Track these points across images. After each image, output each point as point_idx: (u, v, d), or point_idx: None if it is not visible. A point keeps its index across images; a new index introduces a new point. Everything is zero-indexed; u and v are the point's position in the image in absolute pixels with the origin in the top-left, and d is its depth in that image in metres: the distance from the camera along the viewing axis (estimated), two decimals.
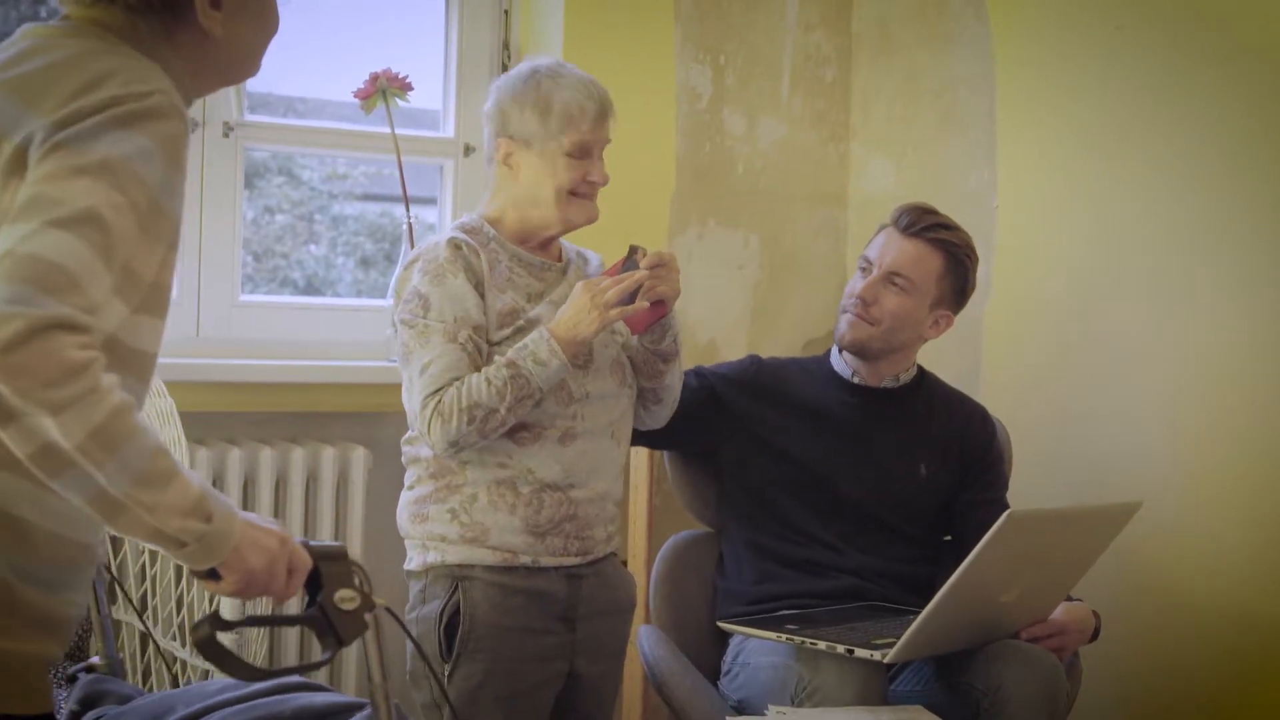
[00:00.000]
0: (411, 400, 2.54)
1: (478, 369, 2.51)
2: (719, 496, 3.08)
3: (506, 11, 3.63)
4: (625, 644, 2.78)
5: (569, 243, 2.80)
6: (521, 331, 2.56)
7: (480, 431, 2.48)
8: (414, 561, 2.61)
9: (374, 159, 3.63)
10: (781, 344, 3.81)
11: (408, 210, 3.38)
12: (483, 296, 2.56)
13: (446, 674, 2.55)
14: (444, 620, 2.55)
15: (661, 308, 2.59)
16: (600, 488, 2.64)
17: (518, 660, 2.56)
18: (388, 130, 3.34)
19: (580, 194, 2.63)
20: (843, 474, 2.93)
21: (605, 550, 2.69)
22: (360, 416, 3.42)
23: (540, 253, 2.68)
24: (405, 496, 2.65)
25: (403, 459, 2.68)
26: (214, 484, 3.12)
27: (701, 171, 3.74)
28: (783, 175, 3.85)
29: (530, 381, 2.48)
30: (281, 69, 3.53)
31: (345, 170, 6.00)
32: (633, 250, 2.59)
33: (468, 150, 3.62)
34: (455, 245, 2.58)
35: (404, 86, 3.35)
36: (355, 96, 3.35)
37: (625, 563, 3.40)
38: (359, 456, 3.33)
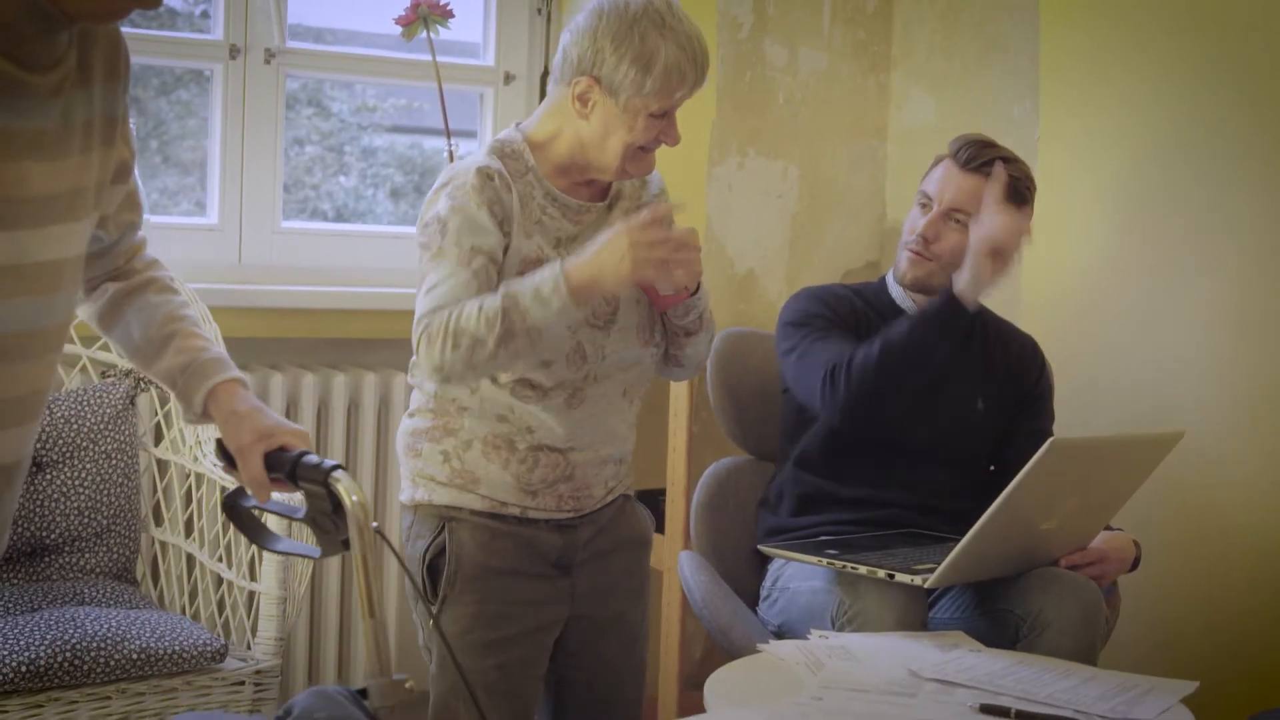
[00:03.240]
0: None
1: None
2: (776, 425, 3.08)
3: None
4: (645, 579, 2.64)
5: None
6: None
7: (467, 362, 2.26)
8: (405, 493, 2.49)
9: (412, 87, 3.62)
10: (819, 275, 3.80)
11: (449, 138, 3.37)
12: (508, 235, 2.36)
13: (431, 619, 2.43)
14: (427, 560, 2.42)
15: (684, 292, 2.42)
16: (605, 450, 2.48)
17: (507, 603, 2.42)
18: (425, 59, 3.33)
19: (647, 149, 2.41)
20: (904, 411, 2.90)
21: (604, 503, 2.53)
22: (402, 343, 3.40)
23: (581, 191, 2.45)
24: (404, 424, 2.50)
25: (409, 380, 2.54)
26: None
27: (742, 101, 3.73)
28: (823, 106, 3.84)
29: (525, 318, 2.24)
30: (314, 2, 3.53)
31: (375, 102, 5.99)
32: None
33: (508, 79, 3.62)
34: (486, 175, 2.35)
35: (445, 13, 3.33)
36: (396, 23, 3.33)
37: (665, 491, 3.42)
38: (400, 383, 3.35)
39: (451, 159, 3.35)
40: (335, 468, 1.70)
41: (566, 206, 2.42)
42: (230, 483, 1.94)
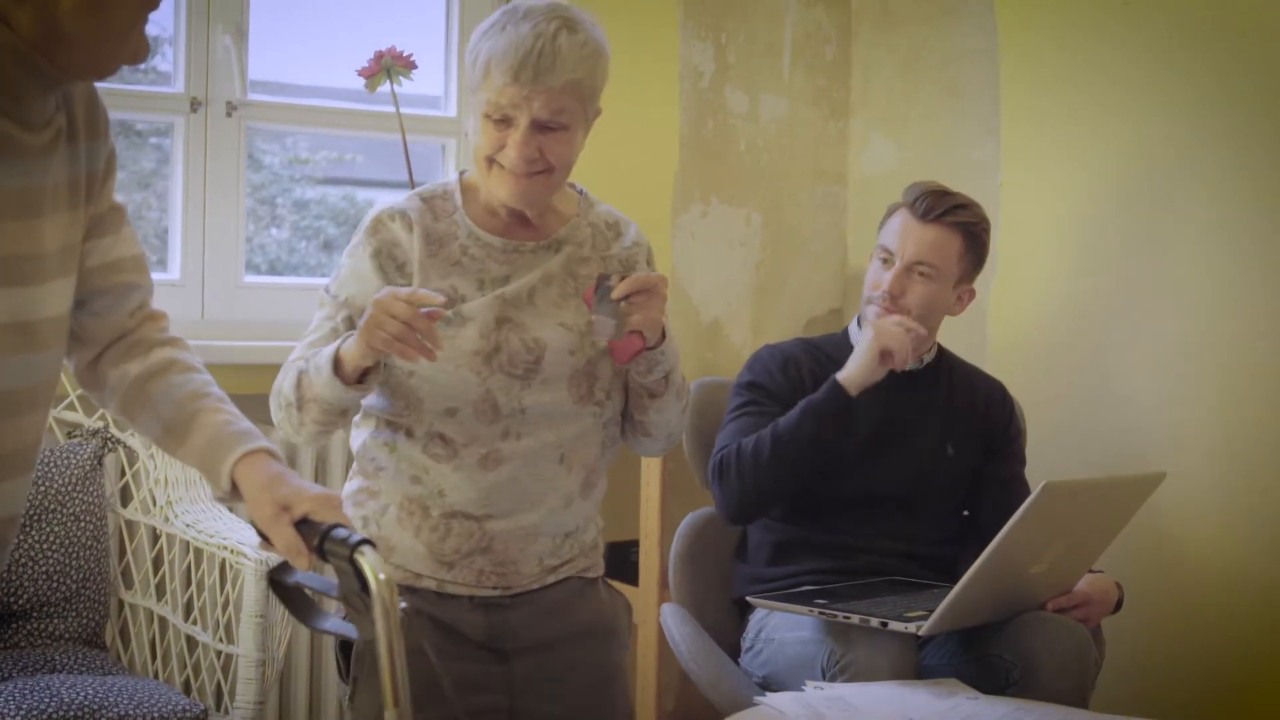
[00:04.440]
0: None
1: None
2: None
3: None
4: (615, 669, 2.39)
5: (609, 209, 2.42)
6: (447, 323, 2.19)
7: (292, 424, 2.18)
8: None
9: (372, 139, 3.59)
10: (784, 321, 3.80)
11: (414, 189, 3.33)
12: (407, 278, 2.22)
13: (348, 699, 2.15)
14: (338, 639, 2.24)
15: (637, 340, 2.18)
16: (529, 520, 2.25)
17: (424, 685, 2.07)
18: (388, 110, 3.30)
19: (504, 165, 2.20)
20: (877, 461, 2.90)
21: (541, 583, 2.30)
22: None
23: (516, 231, 2.29)
24: (345, 486, 2.36)
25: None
26: None
27: (704, 149, 3.73)
28: (784, 152, 3.85)
29: (311, 385, 2.14)
30: (275, 56, 3.49)
31: (307, 155, 5.97)
32: (602, 278, 2.19)
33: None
34: (384, 219, 2.25)
35: (408, 64, 3.30)
36: (359, 74, 3.30)
37: (638, 542, 3.39)
38: None
39: None
40: (361, 543, 1.58)
41: (490, 246, 2.27)
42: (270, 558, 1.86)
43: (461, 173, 2.37)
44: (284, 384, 2.20)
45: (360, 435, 2.31)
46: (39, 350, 1.65)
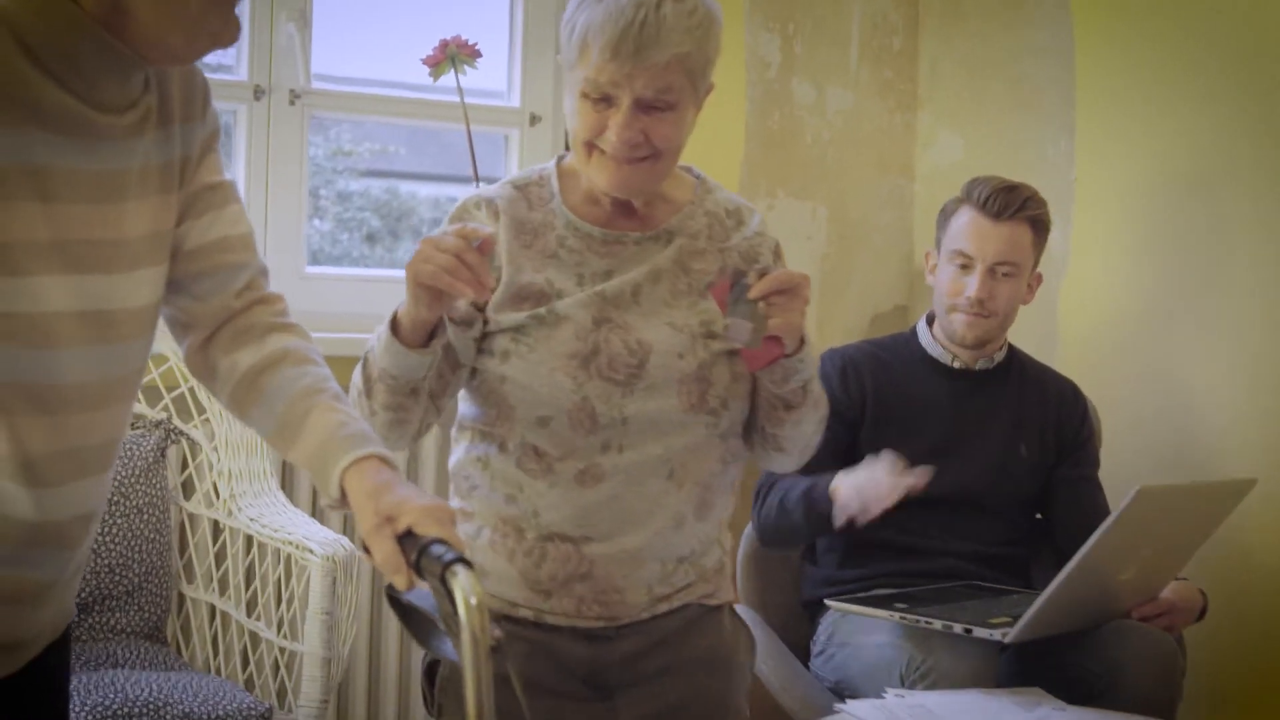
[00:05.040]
0: None
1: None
2: None
3: None
4: (730, 710, 2.11)
5: (731, 195, 2.22)
6: (540, 322, 2.02)
7: (364, 414, 1.98)
8: None
9: (437, 129, 3.53)
10: (850, 317, 3.74)
11: (477, 182, 3.29)
12: (495, 268, 2.04)
13: None
14: (425, 663, 2.11)
15: (776, 346, 1.98)
16: (633, 543, 2.03)
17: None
18: (450, 100, 3.25)
19: (605, 150, 2.01)
20: (948, 463, 2.84)
21: (652, 612, 2.08)
22: None
23: (619, 221, 2.09)
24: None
25: None
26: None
27: (771, 141, 3.67)
28: (850, 145, 3.78)
29: (376, 360, 1.97)
30: (337, 46, 3.45)
31: (350, 147, 5.95)
32: (738, 275, 2.00)
33: (533, 120, 3.53)
34: (463, 208, 2.10)
35: (473, 53, 3.25)
36: (424, 63, 3.24)
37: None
38: (432, 433, 3.25)
39: None
40: (455, 561, 1.45)
41: (590, 238, 2.07)
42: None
43: (560, 157, 2.18)
44: (355, 374, 2.04)
45: (455, 452, 2.15)
46: (118, 342, 1.57)
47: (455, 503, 2.12)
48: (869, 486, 2.45)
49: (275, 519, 2.79)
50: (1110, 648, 2.56)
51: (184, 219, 1.65)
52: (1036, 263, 2.94)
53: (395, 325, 1.95)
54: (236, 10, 1.52)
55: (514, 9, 3.54)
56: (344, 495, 1.59)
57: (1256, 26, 3.17)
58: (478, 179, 3.28)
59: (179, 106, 1.61)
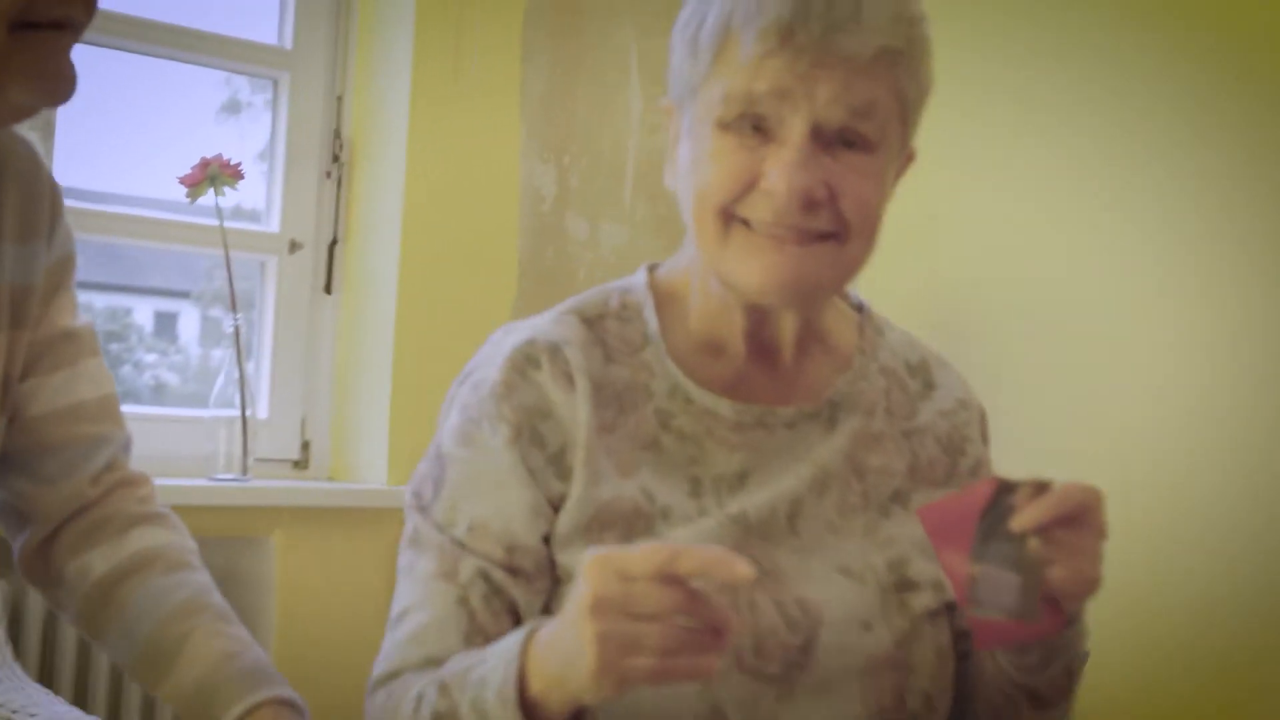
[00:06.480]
0: None
1: (484, 635, 1.25)
2: None
3: (340, 98, 3.34)
4: None
5: (906, 334, 1.46)
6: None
7: None
8: None
9: (201, 253, 3.25)
10: None
11: (235, 310, 3.04)
12: (564, 477, 1.27)
13: None
14: None
15: (1055, 615, 1.18)
16: None
17: None
18: (207, 222, 3.03)
19: (748, 223, 1.25)
20: None
21: None
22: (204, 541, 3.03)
23: (754, 384, 1.34)
24: None
25: None
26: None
27: (545, 276, 3.50)
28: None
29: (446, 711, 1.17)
30: (85, 163, 3.19)
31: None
32: (1003, 489, 1.17)
33: (293, 247, 3.29)
34: (518, 366, 1.29)
35: (235, 174, 3.04)
36: (182, 183, 3.01)
37: None
38: None
39: (238, 336, 3.01)
40: None
41: (716, 417, 1.29)
42: None
43: (652, 268, 1.40)
44: None
45: None
46: None
47: None
48: None
49: (12, 699, 2.45)
50: None
51: (30, 374, 1.30)
52: None
53: (528, 702, 1.13)
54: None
55: (275, 130, 3.31)
56: None
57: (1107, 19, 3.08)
58: (236, 306, 3.03)
59: (12, 221, 1.27)
